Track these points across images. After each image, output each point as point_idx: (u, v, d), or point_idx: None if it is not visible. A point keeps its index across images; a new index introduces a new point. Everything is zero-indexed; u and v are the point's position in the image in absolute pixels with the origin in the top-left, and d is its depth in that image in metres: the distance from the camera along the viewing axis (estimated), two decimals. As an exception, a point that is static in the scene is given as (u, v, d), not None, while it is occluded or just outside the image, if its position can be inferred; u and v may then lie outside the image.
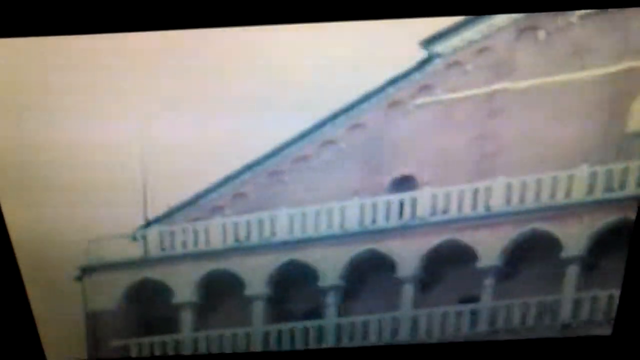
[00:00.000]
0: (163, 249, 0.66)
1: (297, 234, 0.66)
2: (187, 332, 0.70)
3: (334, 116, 0.61)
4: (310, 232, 0.66)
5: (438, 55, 0.60)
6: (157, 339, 0.71)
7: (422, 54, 0.60)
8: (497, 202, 0.66)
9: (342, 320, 0.71)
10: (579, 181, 0.65)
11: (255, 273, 0.68)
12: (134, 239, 0.65)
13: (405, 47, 0.59)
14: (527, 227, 0.67)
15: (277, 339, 0.71)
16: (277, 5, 0.56)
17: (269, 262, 0.67)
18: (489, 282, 0.70)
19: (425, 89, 0.61)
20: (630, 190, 0.65)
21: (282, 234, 0.66)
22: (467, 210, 0.66)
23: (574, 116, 0.62)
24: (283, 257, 0.67)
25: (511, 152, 0.64)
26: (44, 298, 0.68)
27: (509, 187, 0.65)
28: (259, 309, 0.69)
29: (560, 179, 0.65)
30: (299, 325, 0.71)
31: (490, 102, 0.62)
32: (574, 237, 0.67)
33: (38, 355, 0.71)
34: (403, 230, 0.67)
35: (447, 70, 0.61)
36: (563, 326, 0.72)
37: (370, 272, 0.68)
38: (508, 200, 0.66)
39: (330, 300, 0.69)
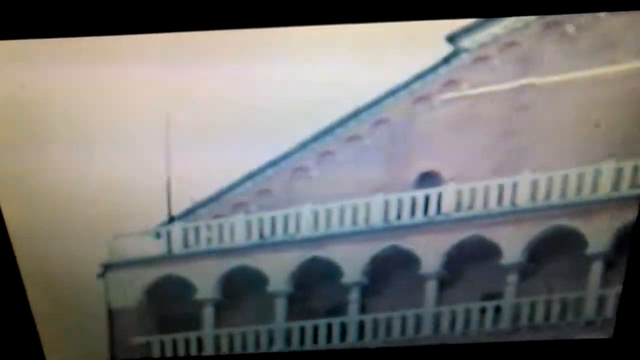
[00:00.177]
0: (186, 246, 0.66)
1: (321, 230, 0.66)
2: (208, 329, 0.70)
3: (359, 112, 0.61)
4: (334, 228, 0.66)
5: (464, 50, 0.59)
6: (178, 336, 0.70)
7: (448, 49, 0.59)
8: (523, 198, 0.65)
9: (365, 317, 0.70)
10: (605, 177, 0.64)
11: (278, 270, 0.67)
12: (157, 235, 0.65)
13: (431, 41, 0.58)
14: (552, 223, 0.66)
15: (300, 336, 0.71)
16: (300, 3, 0.56)
17: (292, 259, 0.67)
18: (512, 278, 0.69)
19: (451, 84, 0.61)
20: (657, 186, 0.65)
21: (306, 231, 0.66)
22: (492, 206, 0.66)
23: (600, 111, 0.62)
24: (306, 254, 0.67)
25: (537, 148, 0.63)
26: (65, 296, 0.68)
27: (534, 182, 0.65)
28: (281, 306, 0.69)
29: (586, 174, 0.64)
30: (321, 322, 0.70)
31: (517, 97, 0.61)
32: (599, 233, 0.67)
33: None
34: (427, 226, 0.66)
35: (473, 65, 0.60)
36: (587, 323, 0.71)
37: (393, 269, 0.68)
38: (533, 196, 0.65)
39: (353, 297, 0.69)
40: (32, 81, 0.58)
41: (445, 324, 0.71)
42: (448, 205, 0.66)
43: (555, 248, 0.68)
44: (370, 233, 0.66)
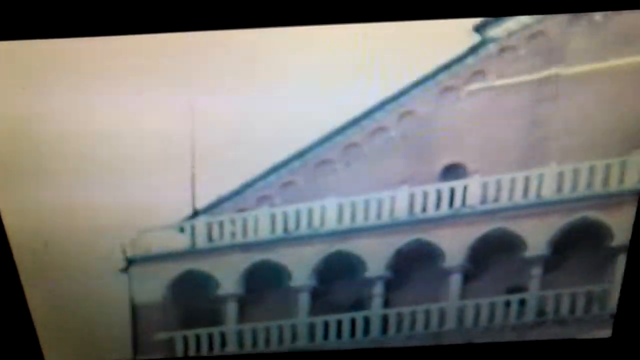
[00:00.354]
0: (210, 240, 0.65)
1: (345, 223, 0.65)
2: (231, 325, 0.69)
3: (385, 103, 0.60)
4: (358, 222, 0.65)
5: (491, 40, 0.59)
6: (201, 331, 0.70)
7: (474, 39, 0.59)
8: (548, 190, 0.65)
9: (389, 311, 0.70)
10: (632, 169, 0.64)
11: (302, 264, 0.67)
12: (181, 230, 0.64)
13: (458, 32, 0.58)
14: (577, 216, 0.66)
15: (323, 331, 0.70)
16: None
17: (316, 253, 0.66)
18: (536, 271, 0.69)
19: (478, 74, 0.60)
20: (683, 177, 0.65)
21: (329, 224, 0.65)
22: (517, 198, 0.65)
23: (627, 101, 0.61)
24: (330, 248, 0.66)
25: (563, 139, 0.63)
26: (87, 293, 0.68)
27: (560, 174, 0.64)
28: (304, 301, 0.69)
29: (612, 166, 0.64)
30: (345, 316, 0.70)
31: (543, 88, 0.61)
32: (626, 225, 0.66)
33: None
34: (451, 219, 0.66)
35: (499, 55, 0.60)
36: (611, 316, 0.71)
37: (417, 262, 0.68)
38: (559, 188, 0.65)
39: (377, 291, 0.68)
40: (58, 78, 0.57)
41: (469, 317, 0.71)
42: (473, 197, 0.65)
43: (581, 240, 0.67)
44: (394, 226, 0.66)
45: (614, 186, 0.64)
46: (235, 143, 0.61)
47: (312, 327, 0.70)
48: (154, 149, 0.61)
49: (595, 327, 0.71)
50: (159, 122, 0.60)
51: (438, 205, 0.65)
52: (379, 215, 0.65)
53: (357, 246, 0.67)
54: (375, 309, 0.69)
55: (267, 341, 0.70)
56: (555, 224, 0.66)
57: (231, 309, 0.69)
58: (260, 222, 0.65)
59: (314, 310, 0.69)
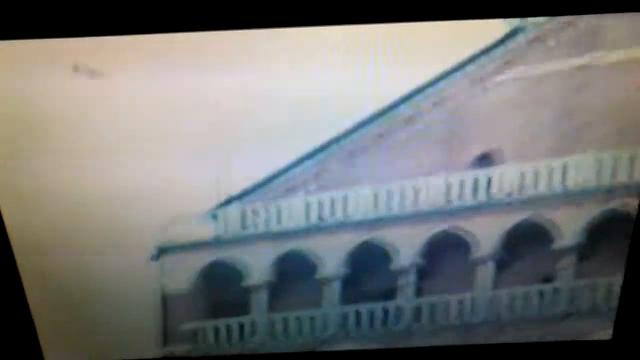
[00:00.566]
0: (241, 228, 0.65)
1: (377, 212, 0.65)
2: (259, 315, 0.69)
3: (416, 93, 0.60)
4: (390, 210, 0.65)
5: (522, 30, 0.59)
6: (229, 321, 0.70)
7: (506, 29, 0.59)
8: (581, 179, 0.65)
9: (421, 300, 0.70)
10: (666, 156, 0.64)
11: (333, 253, 0.67)
12: (213, 217, 0.64)
13: (489, 22, 0.58)
14: (610, 205, 0.66)
15: (356, 320, 0.70)
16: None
17: (347, 242, 0.66)
18: (568, 261, 0.68)
19: (509, 64, 0.60)
20: None
21: (362, 212, 0.65)
22: (549, 187, 0.65)
23: (661, 89, 0.61)
24: (362, 236, 0.66)
25: (595, 128, 0.63)
26: (116, 281, 0.68)
27: (590, 165, 0.64)
28: (334, 290, 0.69)
29: (644, 154, 0.64)
30: (375, 306, 0.70)
31: (575, 77, 0.61)
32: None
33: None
34: (484, 208, 0.66)
35: (531, 45, 0.60)
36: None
37: (449, 251, 0.67)
38: (589, 179, 0.65)
39: (409, 280, 0.68)
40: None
41: (499, 308, 0.70)
42: (505, 186, 0.65)
43: (613, 231, 0.67)
44: (426, 215, 0.66)
45: (644, 175, 0.64)
46: (269, 130, 0.61)
47: (342, 317, 0.70)
48: (187, 134, 0.61)
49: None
50: (192, 109, 0.60)
51: (470, 193, 0.65)
52: (411, 204, 0.65)
53: (388, 235, 0.66)
54: (407, 298, 0.69)
55: (299, 331, 0.70)
56: (588, 213, 0.66)
57: (261, 298, 0.69)
58: (292, 210, 0.65)
59: (343, 299, 0.69)
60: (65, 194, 0.63)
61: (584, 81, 0.61)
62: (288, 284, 0.68)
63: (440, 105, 0.61)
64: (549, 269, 0.69)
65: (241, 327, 0.70)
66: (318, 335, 0.71)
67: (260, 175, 0.63)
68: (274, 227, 0.65)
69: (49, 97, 0.59)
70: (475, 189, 0.65)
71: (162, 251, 0.66)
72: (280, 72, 0.59)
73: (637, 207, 0.66)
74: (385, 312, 0.70)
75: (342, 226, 0.66)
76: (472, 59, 0.60)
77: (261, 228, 0.65)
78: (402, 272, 0.68)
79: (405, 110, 0.61)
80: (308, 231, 0.66)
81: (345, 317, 0.70)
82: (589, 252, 0.68)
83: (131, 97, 0.59)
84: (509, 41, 0.59)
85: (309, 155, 0.62)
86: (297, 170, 0.63)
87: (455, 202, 0.65)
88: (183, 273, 0.67)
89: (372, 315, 0.70)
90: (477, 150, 0.64)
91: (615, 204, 0.65)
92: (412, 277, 0.68)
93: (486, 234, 0.67)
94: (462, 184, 0.65)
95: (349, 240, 0.66)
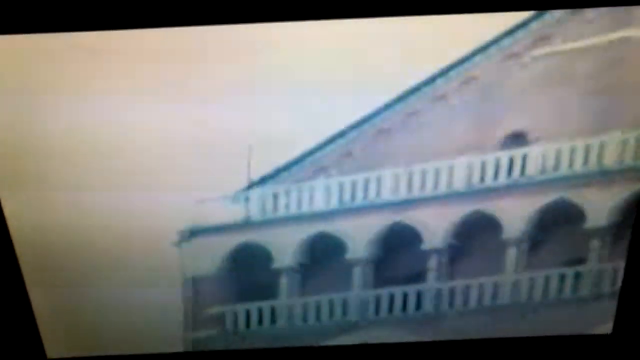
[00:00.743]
0: (266, 211, 0.64)
1: (403, 194, 0.64)
2: (285, 299, 0.69)
3: (447, 70, 0.59)
4: (416, 192, 0.64)
5: (558, 3, 0.57)
6: (258, 305, 0.69)
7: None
8: (611, 159, 0.63)
9: (446, 284, 0.69)
10: (701, 135, 0.62)
11: (358, 236, 0.66)
12: (238, 201, 0.63)
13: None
14: (640, 185, 0.64)
15: (375, 304, 0.69)
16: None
17: (373, 224, 0.65)
18: (596, 243, 0.67)
19: (543, 39, 0.59)
20: None
21: (387, 195, 0.64)
22: (578, 167, 0.64)
23: (697, 66, 0.60)
24: (387, 219, 0.65)
25: (629, 106, 0.61)
26: (139, 267, 0.67)
27: (624, 143, 0.63)
28: (360, 274, 0.68)
29: (680, 133, 0.62)
30: (398, 290, 0.69)
31: (610, 53, 0.59)
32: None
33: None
34: (512, 189, 0.64)
35: (565, 19, 0.58)
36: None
37: (475, 234, 0.66)
38: (622, 157, 0.63)
39: (434, 263, 0.67)
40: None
41: (524, 290, 0.69)
42: (534, 166, 0.64)
43: (643, 211, 0.66)
44: (453, 197, 0.64)
45: (681, 154, 0.63)
46: (293, 112, 0.60)
47: (364, 301, 0.69)
48: (212, 117, 0.60)
49: None
50: (218, 91, 0.59)
51: (498, 174, 0.64)
52: (437, 186, 0.64)
53: (414, 217, 0.65)
54: (432, 282, 0.68)
55: (318, 315, 0.70)
56: (617, 194, 0.65)
57: (285, 282, 0.68)
58: (317, 193, 0.64)
59: (369, 283, 0.68)
60: (91, 177, 0.62)
61: (619, 56, 0.59)
62: (317, 266, 0.67)
63: (470, 83, 0.60)
64: (578, 252, 0.68)
65: (272, 310, 0.69)
66: (350, 318, 0.70)
67: (284, 159, 0.62)
68: (303, 208, 0.64)
69: (72, 76, 0.58)
70: (503, 170, 0.63)
71: (189, 234, 0.65)
72: (306, 53, 0.57)
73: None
74: (418, 294, 0.69)
75: (368, 209, 0.65)
76: (508, 33, 0.58)
77: (285, 212, 0.64)
78: (428, 255, 0.67)
79: (434, 89, 0.60)
80: (333, 214, 0.65)
81: (377, 299, 0.69)
82: (618, 234, 0.66)
83: (158, 81, 0.58)
84: (545, 14, 0.58)
85: (333, 138, 0.61)
86: (321, 153, 0.61)
87: (483, 184, 0.64)
88: (210, 256, 0.66)
89: (404, 297, 0.69)
90: (506, 130, 0.62)
91: (647, 184, 0.64)
92: (437, 261, 0.67)
93: (514, 216, 0.65)
94: (490, 165, 0.63)
95: (375, 223, 0.65)
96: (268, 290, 0.68)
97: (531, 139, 0.62)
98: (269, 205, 0.64)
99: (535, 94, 0.60)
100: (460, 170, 0.63)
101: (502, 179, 0.64)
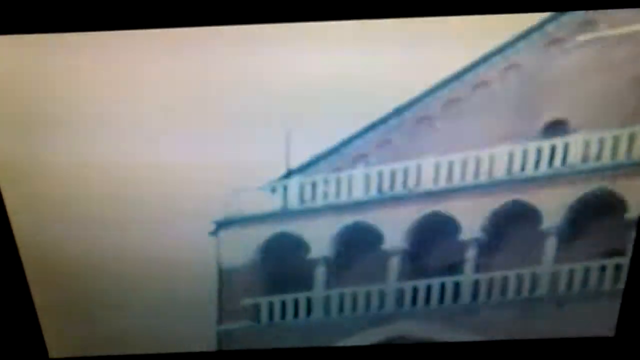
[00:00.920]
0: (303, 201, 0.63)
1: (442, 183, 0.63)
2: (320, 289, 0.68)
3: (489, 56, 0.58)
4: (455, 181, 0.63)
5: (603, -11, 0.56)
6: (288, 297, 0.68)
7: (587, -12, 0.56)
8: (653, 148, 0.62)
9: (480, 276, 0.68)
10: None
11: (395, 226, 0.65)
12: (274, 190, 0.62)
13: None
14: (684, 175, 0.63)
15: (412, 296, 0.68)
16: None
17: (410, 214, 0.64)
18: (636, 234, 0.66)
19: (588, 24, 0.58)
20: None
21: (426, 184, 0.63)
22: (619, 157, 0.63)
23: None
24: (425, 209, 0.64)
25: (673, 93, 0.60)
26: (174, 256, 0.66)
27: (667, 131, 0.62)
28: (396, 264, 0.67)
29: None
30: (434, 281, 0.68)
31: (653, 40, 0.58)
32: None
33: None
34: (551, 178, 0.63)
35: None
36: None
37: (513, 225, 0.65)
38: (666, 146, 0.62)
39: (471, 254, 0.66)
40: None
41: (562, 282, 0.68)
42: (574, 156, 0.63)
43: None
44: (491, 186, 0.64)
45: None
46: (331, 100, 0.59)
47: (400, 292, 0.68)
48: (250, 106, 0.59)
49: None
50: (255, 81, 0.58)
51: (538, 164, 0.63)
52: (476, 175, 0.63)
53: (452, 207, 0.64)
54: (468, 273, 0.67)
55: (353, 307, 0.69)
56: (659, 183, 0.64)
57: (321, 272, 0.67)
58: (355, 183, 0.63)
59: (405, 274, 0.67)
60: (124, 168, 0.61)
61: (661, 45, 0.58)
62: (353, 257, 0.66)
63: (512, 71, 0.59)
64: (617, 243, 0.67)
65: (308, 300, 0.68)
66: (386, 310, 0.69)
67: (322, 147, 0.61)
68: (335, 200, 0.63)
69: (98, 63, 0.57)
70: (543, 160, 0.62)
71: (223, 225, 0.64)
72: (341, 42, 0.57)
73: None
74: (456, 285, 0.68)
75: (406, 198, 0.64)
76: (553, 18, 0.57)
77: (321, 201, 0.63)
78: (464, 246, 0.66)
79: (475, 76, 0.59)
80: (370, 204, 0.64)
81: (414, 291, 0.68)
82: (660, 224, 0.66)
83: (196, 73, 0.58)
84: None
85: (372, 126, 0.60)
86: (359, 141, 0.61)
87: (522, 173, 0.63)
88: (244, 247, 0.65)
89: (442, 288, 0.68)
90: (546, 118, 0.61)
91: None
92: (479, 250, 0.66)
93: (553, 206, 0.64)
94: (529, 154, 0.62)
95: (412, 213, 0.64)
96: (303, 281, 0.67)
97: (571, 128, 0.61)
98: (307, 194, 0.63)
99: (577, 81, 0.60)
100: (500, 159, 0.62)
101: (543, 168, 0.63)
